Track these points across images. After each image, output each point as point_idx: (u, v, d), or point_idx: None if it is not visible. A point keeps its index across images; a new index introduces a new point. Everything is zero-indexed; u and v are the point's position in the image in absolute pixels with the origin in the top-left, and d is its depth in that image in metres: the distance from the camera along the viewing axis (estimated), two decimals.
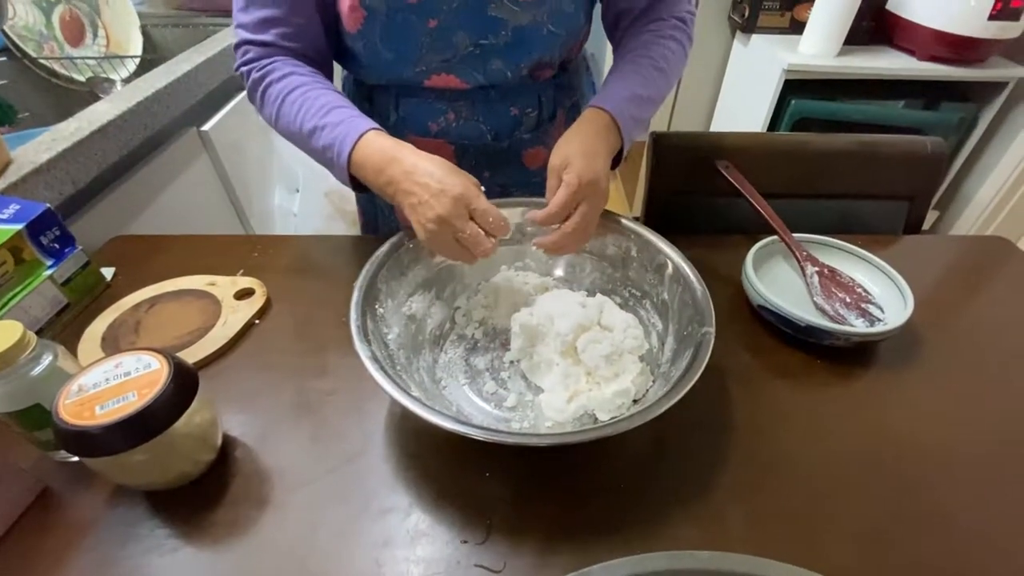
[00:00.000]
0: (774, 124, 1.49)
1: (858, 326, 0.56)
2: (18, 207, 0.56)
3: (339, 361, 0.53)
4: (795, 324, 0.54)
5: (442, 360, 0.54)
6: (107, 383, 0.38)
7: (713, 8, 1.60)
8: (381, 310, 0.49)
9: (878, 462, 0.46)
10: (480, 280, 0.60)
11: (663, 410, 0.38)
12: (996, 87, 1.43)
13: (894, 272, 0.59)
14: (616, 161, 0.55)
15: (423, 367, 0.51)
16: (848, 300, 0.59)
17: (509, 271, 0.60)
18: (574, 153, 0.50)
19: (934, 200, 1.68)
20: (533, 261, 0.61)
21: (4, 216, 0.55)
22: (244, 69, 0.57)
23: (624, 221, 0.56)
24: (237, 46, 0.57)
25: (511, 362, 0.54)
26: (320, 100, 0.53)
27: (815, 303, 0.59)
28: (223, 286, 0.61)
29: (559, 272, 0.61)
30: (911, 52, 1.41)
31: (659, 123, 1.84)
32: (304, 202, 1.25)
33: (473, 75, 0.61)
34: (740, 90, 1.67)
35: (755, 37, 1.51)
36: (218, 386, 0.50)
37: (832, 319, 0.56)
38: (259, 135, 1.16)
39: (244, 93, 1.10)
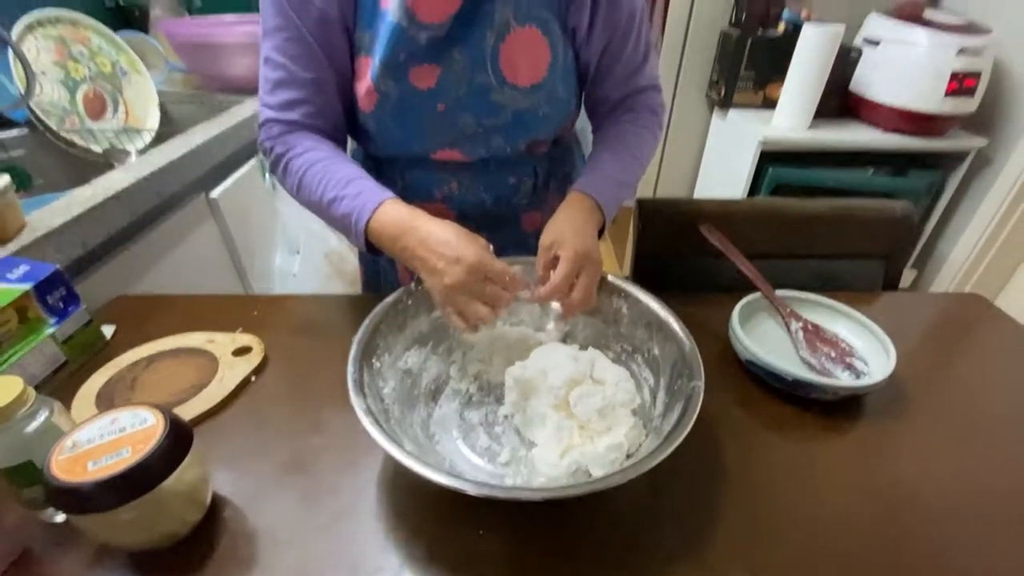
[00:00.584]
0: (753, 191, 1.57)
1: (844, 379, 0.57)
2: (27, 268, 0.58)
3: (333, 418, 0.53)
4: (783, 378, 0.55)
5: (436, 415, 0.54)
6: (102, 439, 0.38)
7: (692, 86, 1.73)
8: (378, 364, 0.50)
9: (872, 511, 0.45)
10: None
11: (656, 463, 0.39)
12: (959, 155, 1.53)
13: (875, 326, 0.61)
14: (599, 234, 0.61)
15: (417, 421, 0.52)
16: (833, 354, 0.60)
17: (504, 326, 0.62)
18: (565, 231, 0.55)
19: (911, 260, 1.74)
20: (528, 316, 0.63)
21: (12, 276, 0.56)
22: (268, 144, 0.61)
23: (614, 280, 0.59)
24: (262, 124, 0.62)
25: (505, 416, 0.54)
26: (340, 173, 0.57)
27: (801, 357, 0.60)
28: (221, 343, 0.62)
29: (552, 327, 0.63)
30: (876, 125, 1.52)
31: (645, 190, 1.93)
32: (304, 263, 1.28)
33: (476, 150, 0.67)
34: (720, 160, 1.77)
35: (732, 112, 1.63)
36: (212, 442, 0.50)
37: (819, 372, 0.58)
38: (264, 200, 1.21)
39: (252, 161, 1.18)
